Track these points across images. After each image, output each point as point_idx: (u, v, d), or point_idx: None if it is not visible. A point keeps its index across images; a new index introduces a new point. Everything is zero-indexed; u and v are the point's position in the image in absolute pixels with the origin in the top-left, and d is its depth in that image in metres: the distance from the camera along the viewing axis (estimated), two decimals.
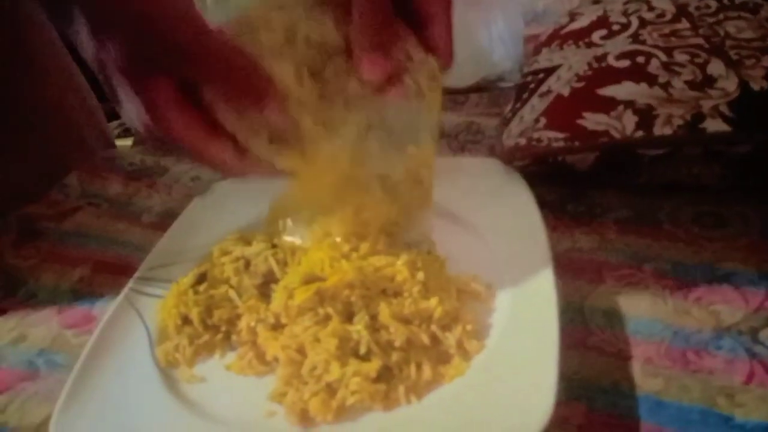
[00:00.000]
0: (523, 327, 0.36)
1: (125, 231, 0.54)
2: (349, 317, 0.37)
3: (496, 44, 0.64)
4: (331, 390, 0.34)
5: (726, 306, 0.38)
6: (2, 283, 0.50)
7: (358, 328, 0.36)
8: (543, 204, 0.45)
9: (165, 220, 0.52)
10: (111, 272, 0.49)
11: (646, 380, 0.35)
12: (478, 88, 0.65)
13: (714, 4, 0.52)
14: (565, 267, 0.42)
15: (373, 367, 0.34)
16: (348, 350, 0.35)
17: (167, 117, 0.33)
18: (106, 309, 0.44)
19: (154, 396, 0.37)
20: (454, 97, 0.65)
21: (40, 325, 0.45)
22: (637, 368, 0.36)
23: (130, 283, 0.44)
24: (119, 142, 0.77)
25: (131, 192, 0.59)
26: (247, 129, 0.34)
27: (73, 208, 0.58)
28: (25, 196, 0.58)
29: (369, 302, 0.37)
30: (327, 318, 0.36)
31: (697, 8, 0.52)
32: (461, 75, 0.65)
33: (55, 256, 0.52)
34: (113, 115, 0.87)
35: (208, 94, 0.34)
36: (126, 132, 0.85)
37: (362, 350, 0.35)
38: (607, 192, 0.48)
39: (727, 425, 0.32)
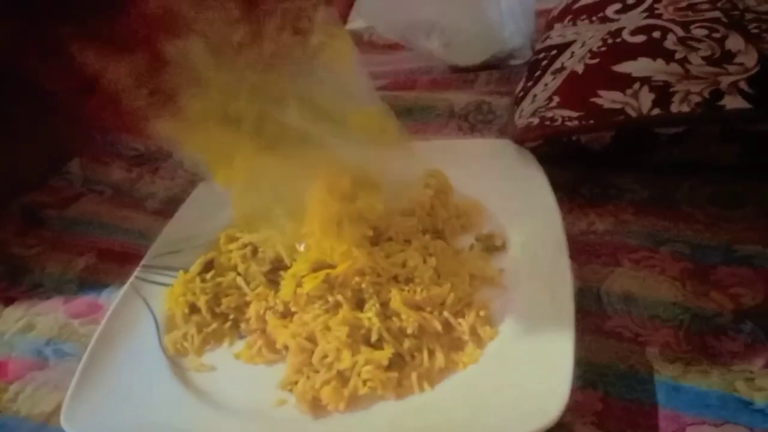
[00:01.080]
0: (537, 312, 0.36)
1: (129, 218, 0.53)
2: (359, 304, 0.36)
3: (506, 20, 0.62)
4: (342, 378, 0.34)
5: (745, 288, 0.37)
6: (8, 273, 0.50)
7: (369, 315, 0.35)
8: (557, 185, 0.44)
9: (169, 207, 0.51)
10: (116, 260, 0.49)
11: (664, 365, 0.34)
12: (489, 66, 0.64)
13: None
14: (581, 250, 0.41)
15: (385, 354, 0.34)
16: (359, 338, 0.35)
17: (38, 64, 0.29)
18: (112, 298, 0.44)
19: (162, 385, 0.37)
20: (463, 75, 0.64)
21: (47, 315, 0.45)
22: (654, 353, 0.35)
23: (136, 272, 0.44)
24: None
25: (134, 178, 0.58)
26: (124, 75, 0.29)
27: (76, 195, 0.57)
28: (27, 183, 0.57)
29: (380, 289, 0.36)
30: (337, 305, 0.36)
31: None
32: (471, 52, 0.64)
33: (60, 244, 0.52)
34: None
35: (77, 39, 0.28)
36: None
37: (374, 338, 0.35)
38: (622, 172, 0.47)
39: (746, 410, 0.31)
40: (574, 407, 0.31)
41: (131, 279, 0.43)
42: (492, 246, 0.42)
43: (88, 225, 0.53)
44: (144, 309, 0.41)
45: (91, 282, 0.48)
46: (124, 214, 0.54)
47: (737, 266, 0.39)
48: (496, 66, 0.64)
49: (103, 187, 0.58)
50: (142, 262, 0.44)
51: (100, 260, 0.50)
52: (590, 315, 0.37)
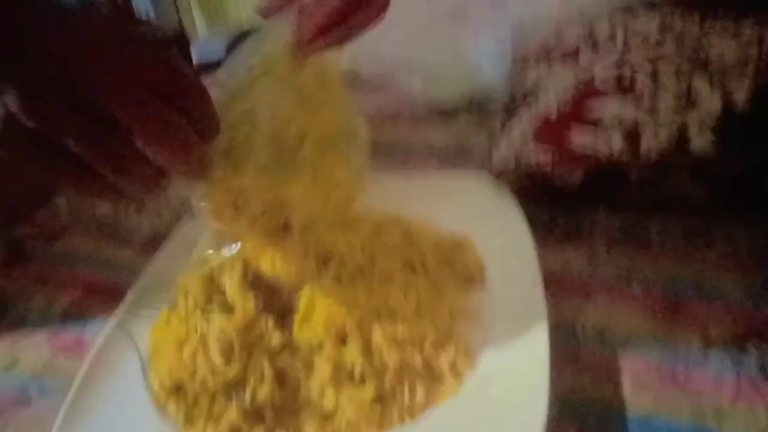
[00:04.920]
0: (514, 347, 0.37)
1: (115, 252, 0.54)
2: (342, 340, 0.37)
3: (484, 61, 0.64)
4: (326, 416, 0.34)
5: (714, 323, 0.39)
6: None
7: (353, 352, 0.36)
8: (533, 221, 0.46)
9: (155, 241, 0.51)
10: (101, 295, 0.49)
11: (636, 399, 0.35)
12: (468, 106, 0.66)
13: (697, 23, 0.53)
14: (556, 285, 0.42)
15: (368, 392, 0.34)
16: (343, 375, 0.35)
17: (47, 109, 0.27)
18: (97, 333, 0.44)
19: (147, 423, 0.37)
20: (443, 115, 0.65)
21: (31, 350, 0.45)
22: (627, 386, 0.36)
23: (122, 308, 0.44)
24: None
25: (120, 212, 0.58)
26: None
27: (63, 229, 0.57)
28: (13, 216, 0.57)
29: (362, 326, 0.37)
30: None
31: (682, 27, 0.53)
32: (450, 92, 0.65)
33: (45, 278, 0.52)
34: None
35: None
36: None
37: (356, 375, 0.35)
38: (596, 209, 0.48)
39: None
40: None
41: (116, 315, 0.43)
42: (470, 280, 0.43)
43: (74, 259, 0.53)
44: (129, 345, 0.41)
45: (77, 317, 0.48)
46: (110, 249, 0.54)
47: (706, 301, 0.40)
48: (474, 104, 0.65)
49: (90, 220, 0.58)
50: (127, 298, 0.45)
51: (86, 295, 0.50)
52: (566, 349, 0.38)
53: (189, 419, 0.36)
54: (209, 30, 1.19)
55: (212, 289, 0.40)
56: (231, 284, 0.39)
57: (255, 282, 0.39)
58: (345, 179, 0.40)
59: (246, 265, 0.39)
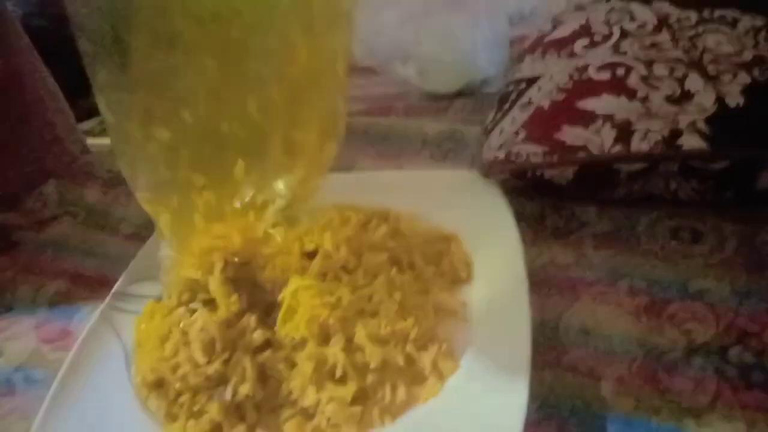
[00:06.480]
0: (496, 347, 0.37)
1: (103, 242, 0.54)
2: (325, 339, 0.37)
3: (480, 49, 0.64)
4: (306, 414, 0.35)
5: (698, 324, 0.39)
6: None
7: (335, 350, 0.36)
8: (522, 216, 0.45)
9: (144, 230, 0.51)
10: (89, 285, 0.49)
11: (617, 399, 0.36)
12: (462, 93, 0.65)
13: (694, 17, 0.52)
14: (542, 283, 0.42)
15: (348, 391, 0.35)
16: (324, 373, 0.35)
17: None
18: (83, 323, 0.44)
19: (130, 415, 0.37)
20: (437, 102, 0.65)
21: (17, 340, 0.45)
22: (608, 387, 0.36)
23: (107, 300, 0.44)
24: (98, 141, 0.76)
25: (109, 200, 0.58)
26: None
27: (51, 217, 0.57)
28: (2, 203, 0.57)
29: (345, 324, 0.37)
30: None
31: (678, 20, 0.52)
32: (445, 80, 0.65)
33: (33, 267, 0.52)
34: (88, 112, 0.86)
35: None
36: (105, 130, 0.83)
37: (338, 373, 0.35)
38: (586, 205, 0.48)
39: None
40: None
41: (102, 307, 0.43)
42: (457, 278, 0.43)
43: (62, 248, 0.53)
44: (114, 338, 0.41)
45: (63, 307, 0.48)
46: (99, 238, 0.54)
47: (691, 302, 0.40)
48: (469, 94, 0.65)
49: (78, 209, 0.58)
50: (113, 290, 0.45)
51: (73, 284, 0.50)
52: (549, 348, 0.38)
53: (170, 415, 0.36)
54: None
55: (196, 285, 0.40)
56: (214, 281, 0.39)
57: (238, 278, 0.39)
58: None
59: (227, 261, 0.39)
